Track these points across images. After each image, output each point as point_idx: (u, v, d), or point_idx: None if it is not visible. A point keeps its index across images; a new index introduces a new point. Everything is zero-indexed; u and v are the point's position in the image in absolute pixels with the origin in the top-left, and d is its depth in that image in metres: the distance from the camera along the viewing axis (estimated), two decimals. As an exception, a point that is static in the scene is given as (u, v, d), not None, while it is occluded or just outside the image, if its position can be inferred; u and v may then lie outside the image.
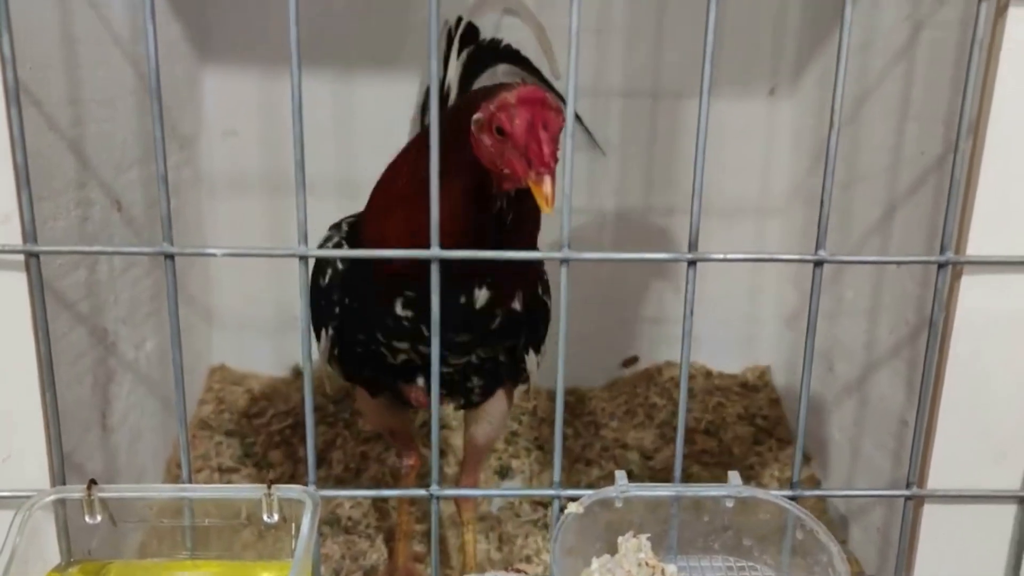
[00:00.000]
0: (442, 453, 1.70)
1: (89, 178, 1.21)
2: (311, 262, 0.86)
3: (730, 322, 1.90)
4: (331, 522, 1.54)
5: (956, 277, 0.82)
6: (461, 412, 1.83)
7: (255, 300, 1.84)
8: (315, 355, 1.17)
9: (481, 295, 1.02)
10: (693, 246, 0.81)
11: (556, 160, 0.87)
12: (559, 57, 1.46)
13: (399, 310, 1.04)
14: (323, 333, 1.13)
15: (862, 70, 1.46)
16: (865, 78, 1.43)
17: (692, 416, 1.79)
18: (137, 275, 1.40)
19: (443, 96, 1.41)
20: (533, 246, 1.06)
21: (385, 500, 1.56)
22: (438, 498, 0.82)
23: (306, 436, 0.82)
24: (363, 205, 1.78)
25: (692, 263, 0.81)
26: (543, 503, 1.55)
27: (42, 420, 0.79)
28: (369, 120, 1.71)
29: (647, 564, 0.75)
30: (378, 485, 1.63)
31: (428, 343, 1.05)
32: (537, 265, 1.13)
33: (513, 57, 1.48)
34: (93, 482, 0.75)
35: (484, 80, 1.46)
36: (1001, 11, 0.80)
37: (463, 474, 1.33)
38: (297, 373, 1.89)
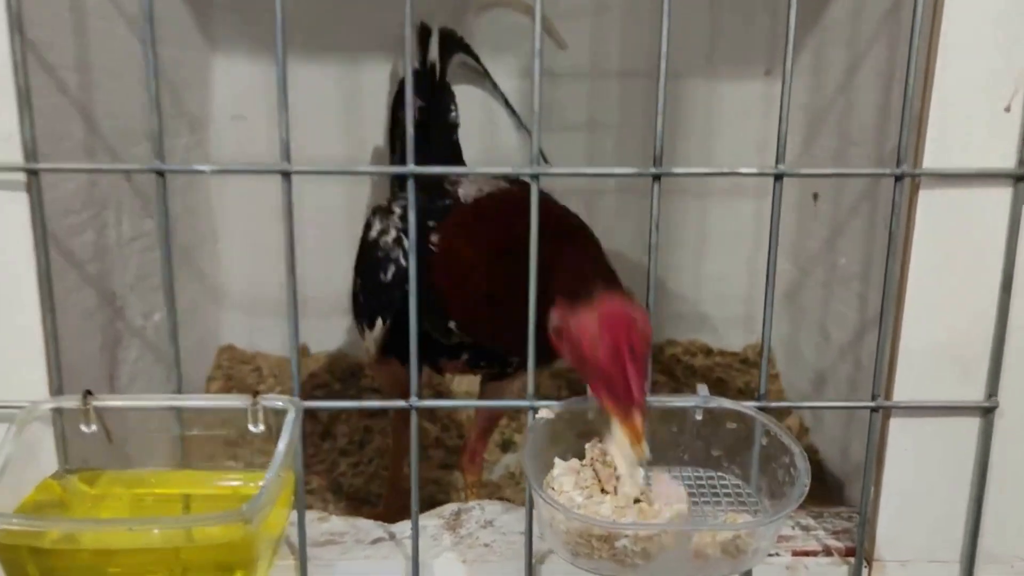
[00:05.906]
0: (445, 428, 1.73)
1: (99, 146, 1.26)
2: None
3: (731, 301, 1.92)
4: (334, 489, 1.58)
5: (914, 191, 0.84)
6: (458, 383, 1.87)
7: (263, 283, 1.88)
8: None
9: None
10: (657, 161, 0.84)
11: (645, 393, 0.78)
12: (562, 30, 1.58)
13: None
14: (378, 322, 1.17)
15: (852, 37, 1.48)
16: (855, 44, 1.46)
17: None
18: (146, 244, 1.44)
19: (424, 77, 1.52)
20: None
21: (385, 468, 1.59)
22: (417, 408, 0.85)
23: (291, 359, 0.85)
24: (368, 188, 1.85)
25: (656, 177, 0.84)
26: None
27: (42, 335, 0.83)
28: (375, 104, 1.75)
29: (612, 467, 0.77)
30: (381, 456, 1.66)
31: None
32: None
33: (466, 49, 1.60)
34: (89, 392, 0.78)
35: (453, 67, 1.56)
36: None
37: (476, 440, 1.37)
38: (304, 353, 1.93)
